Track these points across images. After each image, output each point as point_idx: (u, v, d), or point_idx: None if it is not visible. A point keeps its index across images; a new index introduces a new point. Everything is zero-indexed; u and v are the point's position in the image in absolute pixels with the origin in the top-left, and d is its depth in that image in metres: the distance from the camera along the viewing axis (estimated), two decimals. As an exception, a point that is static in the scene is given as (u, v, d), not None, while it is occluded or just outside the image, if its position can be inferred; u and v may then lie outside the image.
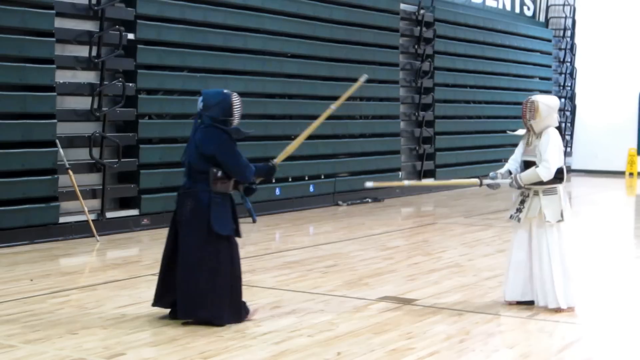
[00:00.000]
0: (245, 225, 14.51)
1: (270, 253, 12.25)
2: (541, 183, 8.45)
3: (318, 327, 7.86)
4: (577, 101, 30.10)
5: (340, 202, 18.13)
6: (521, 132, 8.80)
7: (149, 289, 9.53)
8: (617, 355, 7.32)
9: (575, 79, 30.13)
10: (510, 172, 8.74)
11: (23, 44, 12.94)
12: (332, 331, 7.75)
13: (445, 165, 22.49)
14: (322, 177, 18.20)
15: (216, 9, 16.14)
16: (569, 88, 30.10)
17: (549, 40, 28.92)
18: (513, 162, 8.83)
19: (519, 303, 8.77)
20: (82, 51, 13.90)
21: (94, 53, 13.86)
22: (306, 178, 17.82)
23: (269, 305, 8.78)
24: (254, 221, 15.11)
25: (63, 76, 13.71)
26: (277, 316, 8.30)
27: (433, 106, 22.36)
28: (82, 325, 7.83)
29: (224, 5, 16.30)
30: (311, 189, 17.78)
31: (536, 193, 8.52)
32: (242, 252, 12.09)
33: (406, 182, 9.24)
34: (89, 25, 14.14)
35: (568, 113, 30.04)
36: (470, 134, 23.98)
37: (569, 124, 29.94)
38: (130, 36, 14.56)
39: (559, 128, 8.65)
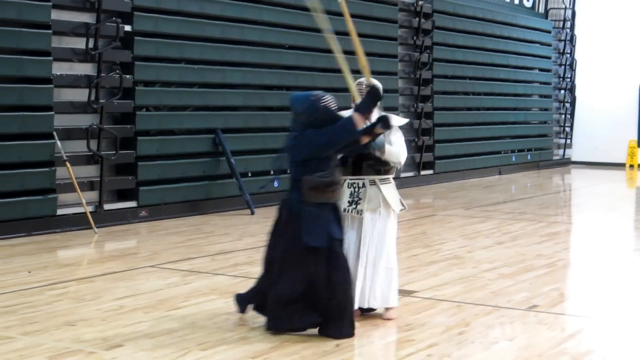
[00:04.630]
0: (243, 217, 14.67)
1: (269, 245, 12.20)
2: (378, 172, 7.92)
3: (317, 319, 7.84)
4: (577, 93, 30.08)
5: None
6: None
7: (147, 280, 9.57)
8: (618, 347, 7.30)
9: (575, 70, 30.09)
10: None
11: (20, 37, 12.89)
12: (331, 323, 7.73)
13: (444, 157, 22.47)
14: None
15: (213, 0, 16.09)
16: (568, 79, 30.06)
17: (549, 32, 28.89)
18: None
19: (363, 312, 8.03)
20: (79, 43, 13.86)
21: (90, 45, 13.83)
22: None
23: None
24: (252, 213, 15.13)
25: (60, 68, 13.67)
26: (276, 308, 8.27)
27: (432, 98, 22.32)
28: (80, 317, 7.82)
29: (222, -3, 16.28)
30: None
31: (373, 183, 7.90)
32: (241, 244, 12.18)
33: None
34: (86, 17, 14.09)
35: (568, 105, 30.01)
36: (469, 126, 23.94)
37: (568, 116, 29.92)
38: (127, 28, 14.51)
39: None
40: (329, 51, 18.82)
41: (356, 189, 7.86)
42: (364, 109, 7.25)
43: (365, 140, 7.34)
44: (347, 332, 7.12)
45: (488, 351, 6.99)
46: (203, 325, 7.56)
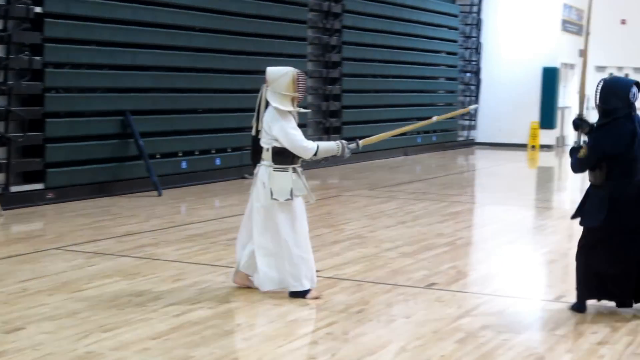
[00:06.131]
0: (150, 199, 14.73)
1: (175, 226, 12.30)
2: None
3: (219, 299, 8.00)
4: (482, 76, 30.54)
5: (246, 176, 18.17)
6: None
7: (52, 262, 9.60)
8: (512, 323, 7.55)
9: (480, 54, 30.57)
10: None
11: None
12: (232, 303, 7.91)
13: (351, 138, 22.51)
14: (229, 150, 18.26)
15: (124, -18, 16.02)
16: (474, 63, 30.54)
17: (456, 16, 29.28)
18: None
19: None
20: (-13, 25, 13.73)
21: (0, 26, 13.71)
22: (213, 151, 17.87)
23: (170, 278, 8.88)
24: (160, 194, 15.19)
25: (-33, 49, 13.54)
26: (179, 289, 8.41)
27: (340, 80, 22.53)
28: (-18, 300, 7.83)
29: (132, -21, 16.22)
30: (217, 162, 17.84)
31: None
32: (147, 225, 12.27)
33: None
34: (-6, -2, 13.96)
35: (473, 87, 30.50)
36: (377, 108, 24.22)
37: (473, 98, 30.38)
38: (38, 9, 14.37)
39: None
40: (240, 34, 18.94)
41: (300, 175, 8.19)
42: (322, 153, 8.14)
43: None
44: None
45: (385, 328, 7.21)
46: (105, 307, 7.64)
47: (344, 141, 8.46)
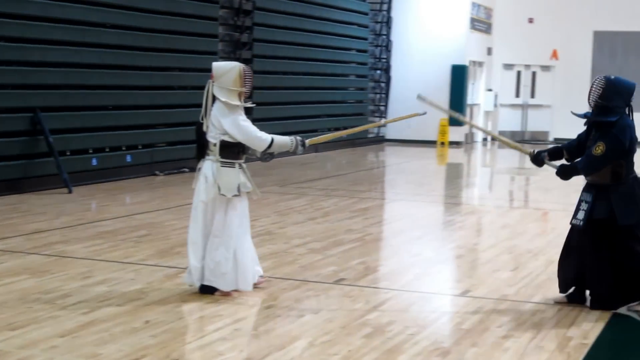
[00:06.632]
0: (60, 196, 14.61)
1: (84, 223, 12.22)
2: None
3: (128, 296, 8.01)
4: (392, 73, 30.79)
5: (157, 172, 18.17)
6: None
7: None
8: (417, 317, 7.71)
9: (390, 51, 30.84)
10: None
11: None
12: (141, 300, 7.92)
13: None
14: (140, 147, 18.19)
15: (32, -23, 15.87)
16: (384, 60, 30.80)
17: (366, 14, 29.48)
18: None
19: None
20: None
21: None
22: (123, 148, 17.78)
23: (80, 275, 8.85)
24: (70, 192, 15.07)
25: None
26: (88, 286, 8.39)
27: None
28: None
29: (41, -26, 16.07)
30: (128, 159, 17.76)
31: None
32: (57, 222, 12.18)
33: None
34: None
35: (383, 84, 30.75)
36: (288, 105, 24.30)
37: (383, 95, 30.64)
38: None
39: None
40: (150, 30, 18.82)
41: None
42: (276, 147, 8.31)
43: None
44: None
45: (294, 324, 7.30)
46: (13, 305, 7.60)
47: (298, 137, 8.50)
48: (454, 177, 22.41)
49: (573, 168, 8.05)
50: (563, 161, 8.23)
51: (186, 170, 18.73)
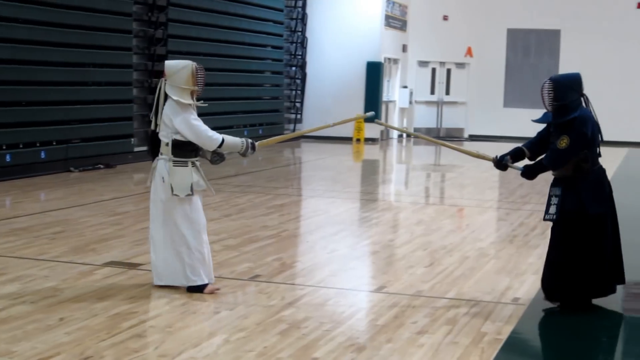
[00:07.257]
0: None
1: (-3, 221, 12.12)
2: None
3: (42, 294, 7.95)
4: (308, 70, 30.85)
5: (72, 169, 17.99)
6: None
7: None
8: (333, 313, 7.75)
9: (306, 48, 30.91)
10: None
11: None
12: (55, 297, 7.86)
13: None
14: (54, 143, 17.99)
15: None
16: (299, 57, 30.86)
17: (281, 10, 29.51)
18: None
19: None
20: None
21: None
22: (37, 144, 17.56)
23: (-8, 273, 8.77)
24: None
25: None
26: (1, 283, 8.31)
27: (166, 73, 22.38)
28: None
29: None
30: (42, 155, 17.56)
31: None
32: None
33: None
34: None
35: (299, 81, 30.81)
36: (203, 101, 24.16)
37: (299, 92, 30.71)
38: None
39: None
40: (63, 25, 18.63)
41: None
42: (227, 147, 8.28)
43: None
44: None
45: (209, 320, 7.34)
46: None
47: (249, 140, 8.53)
48: (370, 173, 22.58)
49: (538, 165, 8.15)
50: (526, 161, 8.34)
51: (101, 166, 18.61)
